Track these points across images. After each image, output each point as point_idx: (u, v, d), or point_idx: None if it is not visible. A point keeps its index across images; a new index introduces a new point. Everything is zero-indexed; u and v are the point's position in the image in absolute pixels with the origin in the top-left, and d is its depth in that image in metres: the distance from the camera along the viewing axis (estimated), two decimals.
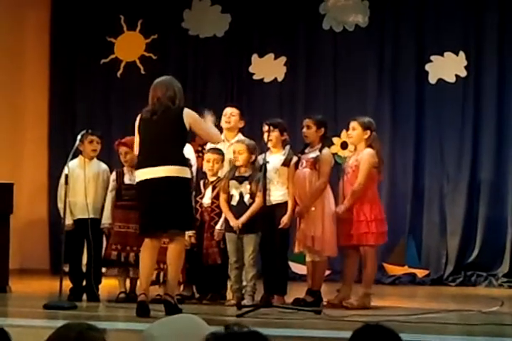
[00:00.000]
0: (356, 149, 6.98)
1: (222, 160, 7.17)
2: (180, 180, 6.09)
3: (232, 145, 7.16)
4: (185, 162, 6.24)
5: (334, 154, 7.24)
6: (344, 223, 6.78)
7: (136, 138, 6.36)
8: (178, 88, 6.31)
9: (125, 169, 7.21)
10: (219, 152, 7.18)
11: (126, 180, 7.14)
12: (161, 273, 6.88)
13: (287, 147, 7.05)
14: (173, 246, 6.16)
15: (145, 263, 6.22)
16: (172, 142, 6.14)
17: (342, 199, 6.83)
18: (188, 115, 6.18)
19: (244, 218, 6.79)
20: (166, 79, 6.45)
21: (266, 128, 6.93)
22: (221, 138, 6.59)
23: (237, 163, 6.94)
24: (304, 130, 7.00)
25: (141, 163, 6.21)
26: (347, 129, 7.11)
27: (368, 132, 6.87)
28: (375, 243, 6.79)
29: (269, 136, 6.88)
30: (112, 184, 7.18)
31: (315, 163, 6.85)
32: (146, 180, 6.11)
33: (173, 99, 6.20)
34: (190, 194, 6.36)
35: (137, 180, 6.22)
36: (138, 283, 6.83)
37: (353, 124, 6.93)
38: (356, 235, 6.73)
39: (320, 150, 6.90)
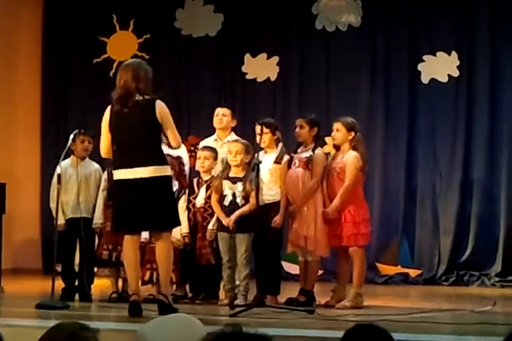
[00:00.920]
0: (340, 150, 6.97)
1: (215, 158, 7.15)
2: (161, 179, 6.04)
3: (226, 145, 7.15)
4: (163, 159, 6.13)
5: (327, 154, 7.22)
6: (331, 224, 6.79)
7: (105, 133, 6.21)
8: (145, 71, 6.19)
9: None
10: (210, 149, 7.17)
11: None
12: (154, 273, 6.87)
13: (280, 144, 7.04)
14: (160, 244, 6.12)
15: (130, 260, 6.15)
16: (148, 140, 6.06)
17: (327, 200, 6.83)
18: (160, 108, 6.07)
19: (235, 215, 6.78)
20: (133, 61, 6.44)
21: (258, 128, 6.90)
22: (181, 145, 6.43)
23: (234, 163, 6.92)
24: (297, 130, 6.99)
25: (119, 162, 6.11)
26: (332, 128, 7.08)
27: (352, 133, 6.87)
28: (364, 243, 6.81)
29: (261, 137, 6.86)
30: (103, 183, 7.18)
31: (308, 163, 6.85)
32: (125, 180, 6.04)
33: (138, 81, 6.06)
34: (171, 192, 6.27)
35: (115, 178, 6.16)
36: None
37: (337, 125, 6.93)
38: (345, 236, 6.75)
39: (313, 150, 6.90)
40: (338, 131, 6.91)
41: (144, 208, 6.01)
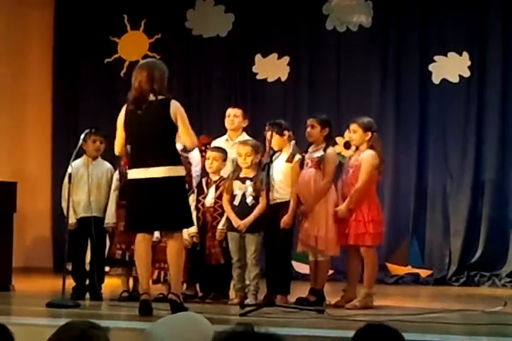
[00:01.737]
0: (358, 149, 6.96)
1: (224, 159, 7.15)
2: (175, 179, 6.06)
3: (236, 146, 7.15)
4: (178, 160, 6.15)
5: (338, 154, 7.22)
6: (341, 222, 6.78)
7: (120, 132, 6.23)
8: (160, 71, 6.19)
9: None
10: (219, 150, 7.17)
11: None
12: (162, 273, 6.89)
13: (292, 142, 7.02)
14: (171, 244, 6.13)
15: (141, 259, 6.17)
16: (163, 140, 6.07)
17: (341, 199, 6.82)
18: (175, 107, 6.07)
19: (248, 220, 6.78)
20: (148, 61, 6.41)
21: (268, 134, 6.81)
22: (196, 144, 6.43)
23: (245, 166, 6.92)
24: (308, 129, 6.98)
25: (134, 162, 6.14)
26: (349, 129, 7.09)
27: (369, 133, 6.86)
28: (372, 243, 6.77)
29: (271, 136, 6.83)
30: (115, 183, 7.19)
31: (320, 163, 6.83)
32: (139, 179, 6.07)
33: (153, 82, 6.07)
34: (185, 192, 6.29)
35: (129, 177, 6.19)
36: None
37: (353, 127, 6.91)
38: (353, 235, 6.72)
39: (324, 150, 6.89)
40: (355, 132, 6.88)
41: (157, 208, 6.03)
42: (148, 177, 6.02)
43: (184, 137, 6.14)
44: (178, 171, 6.11)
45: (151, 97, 6.09)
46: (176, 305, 5.95)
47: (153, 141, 6.06)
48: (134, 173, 6.13)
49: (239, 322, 2.46)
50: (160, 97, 6.09)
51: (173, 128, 6.08)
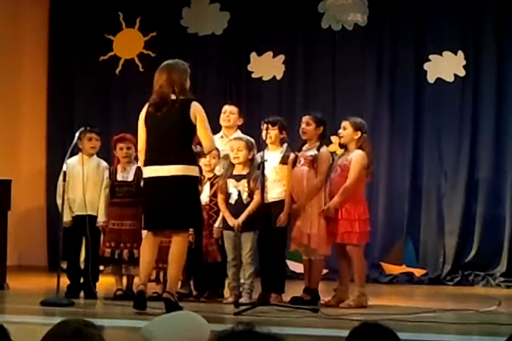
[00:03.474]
0: (347, 149, 6.97)
1: (219, 157, 7.16)
2: (189, 178, 6.11)
3: (230, 142, 7.16)
4: (194, 160, 6.23)
5: (332, 153, 7.22)
6: (329, 222, 6.78)
7: (141, 131, 6.30)
8: (180, 72, 6.25)
9: (118, 166, 7.23)
10: (216, 148, 7.17)
11: (119, 177, 7.16)
12: (161, 272, 6.89)
13: (285, 145, 7.04)
14: (177, 243, 6.15)
15: (144, 255, 6.21)
16: (180, 140, 6.14)
17: (328, 198, 6.83)
18: (196, 109, 6.15)
19: (242, 217, 6.79)
20: (168, 63, 6.40)
21: (264, 126, 6.91)
22: (214, 147, 6.53)
23: (237, 161, 6.93)
24: (303, 126, 6.98)
25: (150, 160, 6.20)
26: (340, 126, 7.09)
27: (359, 133, 6.86)
28: (357, 242, 6.77)
29: (267, 133, 6.86)
30: (105, 181, 7.20)
31: (313, 162, 6.85)
32: (154, 177, 6.12)
33: (173, 85, 6.13)
34: (197, 192, 6.35)
35: (144, 176, 6.25)
36: (135, 280, 6.85)
37: (345, 124, 6.94)
38: (340, 234, 6.74)
39: (318, 149, 6.89)
40: (345, 129, 6.91)
41: (168, 206, 6.06)
42: (162, 175, 6.06)
43: (202, 140, 6.21)
44: (193, 171, 6.16)
45: (172, 97, 6.13)
46: (170, 303, 5.95)
47: (171, 141, 6.12)
48: (147, 171, 6.18)
49: (239, 321, 2.44)
50: (181, 97, 6.14)
51: (191, 129, 6.15)
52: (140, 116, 6.32)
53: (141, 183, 6.55)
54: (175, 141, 6.12)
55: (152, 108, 6.20)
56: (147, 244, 6.21)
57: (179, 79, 6.18)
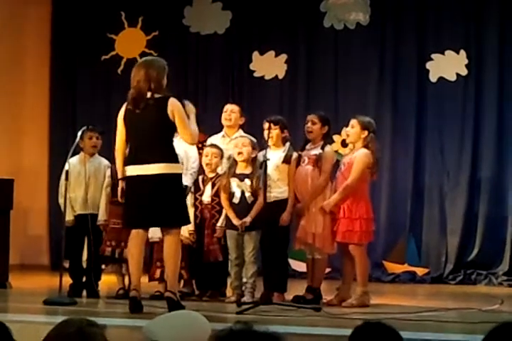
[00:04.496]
0: (354, 147, 6.97)
1: (221, 156, 7.15)
2: (172, 176, 6.05)
3: (234, 141, 7.15)
4: (175, 157, 6.14)
5: (335, 152, 7.22)
6: (332, 220, 6.77)
7: (120, 130, 6.22)
8: (158, 69, 6.15)
9: None
10: (217, 147, 7.17)
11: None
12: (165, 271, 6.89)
13: (287, 144, 7.03)
14: (169, 240, 6.10)
15: (132, 256, 6.16)
16: (160, 138, 6.07)
17: (331, 196, 6.82)
18: (173, 106, 6.04)
19: (249, 218, 6.77)
20: (145, 60, 6.36)
21: (266, 125, 6.90)
22: (197, 140, 6.39)
23: (241, 157, 6.90)
24: (309, 125, 6.97)
25: (131, 159, 6.14)
26: (347, 126, 7.10)
27: (366, 132, 6.84)
28: (359, 241, 6.73)
29: (269, 133, 6.86)
30: (107, 180, 7.19)
31: (317, 161, 6.84)
32: (136, 176, 6.07)
33: (150, 81, 6.05)
34: (181, 190, 6.29)
35: (127, 174, 6.17)
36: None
37: (353, 122, 6.92)
38: (341, 232, 6.72)
39: (322, 148, 6.89)
40: (353, 127, 6.88)
41: (154, 204, 6.02)
42: (145, 173, 6.02)
43: (181, 134, 6.13)
44: (175, 169, 6.11)
45: (149, 95, 6.08)
46: (172, 302, 5.94)
47: (151, 139, 6.06)
48: (131, 170, 6.13)
49: (238, 320, 2.44)
50: (158, 96, 6.09)
51: (171, 127, 6.07)
52: (119, 115, 6.25)
53: (120, 182, 6.44)
54: (155, 139, 6.05)
55: (130, 105, 6.14)
56: (135, 245, 6.14)
57: (156, 76, 6.10)
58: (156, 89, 6.09)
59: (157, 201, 6.02)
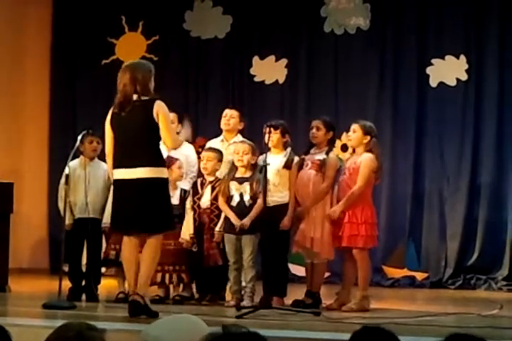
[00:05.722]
0: (355, 152, 6.96)
1: (220, 160, 7.14)
2: (156, 181, 5.99)
3: (232, 146, 7.16)
4: (161, 162, 6.10)
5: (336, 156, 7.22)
6: (335, 225, 6.78)
7: (107, 134, 6.20)
8: (144, 72, 6.08)
9: None
10: (215, 150, 7.16)
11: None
12: (167, 275, 6.89)
13: (288, 149, 7.03)
14: (150, 243, 6.01)
15: (126, 261, 6.12)
16: (146, 142, 6.00)
17: (336, 201, 6.82)
18: (159, 108, 5.97)
19: (248, 219, 6.77)
20: (131, 63, 6.27)
21: (267, 130, 6.89)
22: (177, 146, 6.38)
23: (241, 164, 6.92)
24: (314, 131, 6.95)
25: (117, 162, 6.09)
26: (347, 131, 7.10)
27: (368, 137, 6.84)
28: (363, 246, 6.72)
29: (269, 137, 6.86)
30: (108, 183, 7.18)
31: (321, 166, 6.83)
32: (123, 180, 6.02)
33: (136, 84, 5.98)
34: (167, 194, 6.21)
35: (114, 177, 6.13)
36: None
37: (354, 127, 6.91)
38: (346, 237, 6.72)
39: (327, 153, 6.89)
40: (355, 132, 6.88)
41: (137, 209, 5.97)
42: (130, 177, 5.97)
43: (163, 136, 6.01)
44: (160, 173, 6.02)
45: (135, 98, 6.05)
46: (138, 306, 5.83)
47: (136, 142, 6.00)
48: (117, 174, 6.09)
49: (226, 324, 2.46)
50: (144, 98, 6.04)
51: (156, 129, 6.00)
52: (106, 119, 6.22)
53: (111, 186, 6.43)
54: (141, 141, 5.99)
55: (117, 108, 6.09)
56: (126, 252, 6.11)
57: (142, 78, 6.03)
58: (143, 92, 6.03)
59: (140, 206, 5.96)
